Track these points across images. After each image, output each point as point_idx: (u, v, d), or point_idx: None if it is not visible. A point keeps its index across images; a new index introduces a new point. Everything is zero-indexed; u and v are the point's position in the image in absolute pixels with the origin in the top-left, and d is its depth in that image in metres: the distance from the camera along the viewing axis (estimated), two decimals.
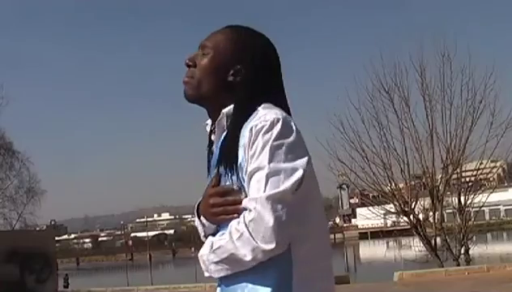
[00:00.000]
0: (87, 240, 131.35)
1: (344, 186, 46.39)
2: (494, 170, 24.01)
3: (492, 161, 18.59)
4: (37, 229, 32.90)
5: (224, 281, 1.61)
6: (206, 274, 1.61)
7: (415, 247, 18.10)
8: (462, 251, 16.55)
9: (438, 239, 16.90)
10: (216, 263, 1.55)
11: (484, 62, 17.16)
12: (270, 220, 1.44)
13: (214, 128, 1.70)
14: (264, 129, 1.52)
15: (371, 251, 54.04)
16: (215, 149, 1.67)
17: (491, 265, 14.27)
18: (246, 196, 1.53)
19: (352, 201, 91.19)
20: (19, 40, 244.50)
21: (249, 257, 1.47)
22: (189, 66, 1.71)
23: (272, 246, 1.45)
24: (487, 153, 16.82)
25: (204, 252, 1.59)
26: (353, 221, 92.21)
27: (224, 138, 1.63)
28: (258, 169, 1.50)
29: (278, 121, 1.53)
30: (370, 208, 19.16)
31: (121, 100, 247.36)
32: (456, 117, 16.85)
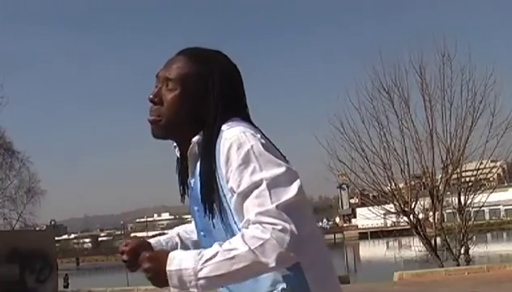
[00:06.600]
0: (87, 240, 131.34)
1: (344, 186, 46.38)
2: (494, 170, 23.97)
3: (492, 161, 18.61)
4: (37, 229, 32.80)
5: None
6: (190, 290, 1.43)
7: (415, 247, 18.11)
8: (462, 251, 16.57)
9: (438, 239, 16.93)
10: (215, 276, 1.40)
11: (484, 62, 17.14)
12: (291, 230, 1.39)
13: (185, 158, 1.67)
14: (235, 146, 1.49)
15: (371, 251, 53.93)
16: (195, 179, 1.65)
17: (491, 265, 14.28)
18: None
19: (352, 201, 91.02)
20: (19, 41, 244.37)
21: (272, 264, 1.40)
22: (154, 102, 1.64)
23: (297, 252, 1.41)
24: (487, 153, 16.89)
25: (188, 266, 1.42)
26: (353, 221, 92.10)
27: (200, 172, 1.60)
28: (252, 185, 1.45)
29: (245, 134, 1.51)
30: (370, 208, 19.17)
31: (121, 100, 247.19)
32: (456, 117, 16.92)
